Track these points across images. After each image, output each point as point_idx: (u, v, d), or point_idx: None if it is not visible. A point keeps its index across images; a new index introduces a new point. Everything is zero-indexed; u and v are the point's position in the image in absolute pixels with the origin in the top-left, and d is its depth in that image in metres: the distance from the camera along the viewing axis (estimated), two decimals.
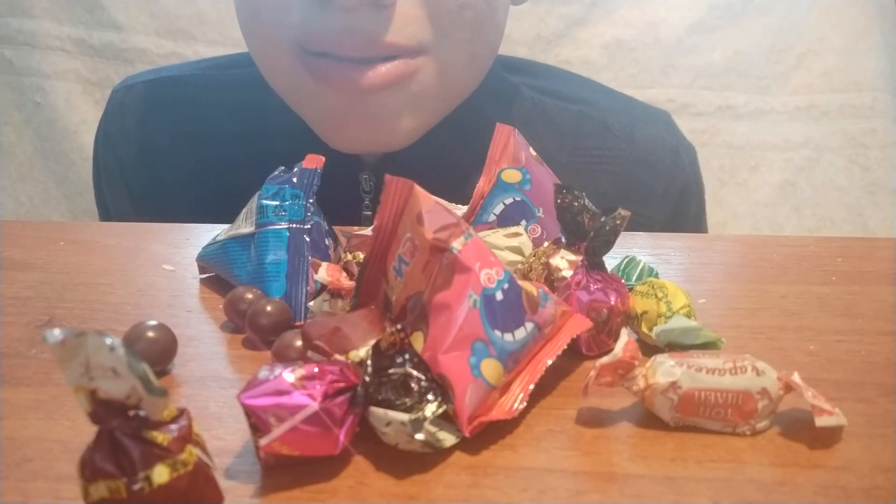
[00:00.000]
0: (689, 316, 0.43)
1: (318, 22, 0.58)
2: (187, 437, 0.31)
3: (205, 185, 0.74)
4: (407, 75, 0.60)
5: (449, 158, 0.68)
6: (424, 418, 0.34)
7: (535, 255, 0.46)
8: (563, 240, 0.46)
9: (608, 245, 0.44)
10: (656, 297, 0.44)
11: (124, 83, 0.80)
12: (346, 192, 0.68)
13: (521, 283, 0.39)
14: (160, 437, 0.30)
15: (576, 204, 0.44)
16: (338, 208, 0.55)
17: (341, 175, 0.56)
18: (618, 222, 0.43)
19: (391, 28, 0.58)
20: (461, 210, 0.53)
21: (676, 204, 0.77)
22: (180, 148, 0.76)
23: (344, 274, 0.46)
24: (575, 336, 0.40)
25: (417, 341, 0.37)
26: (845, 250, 0.58)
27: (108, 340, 0.27)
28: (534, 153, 0.53)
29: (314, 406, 0.33)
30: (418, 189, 0.39)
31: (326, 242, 0.51)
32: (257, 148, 0.72)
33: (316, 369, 0.34)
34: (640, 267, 0.49)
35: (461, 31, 0.61)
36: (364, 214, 0.69)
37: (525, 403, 0.37)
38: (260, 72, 0.68)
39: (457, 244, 0.37)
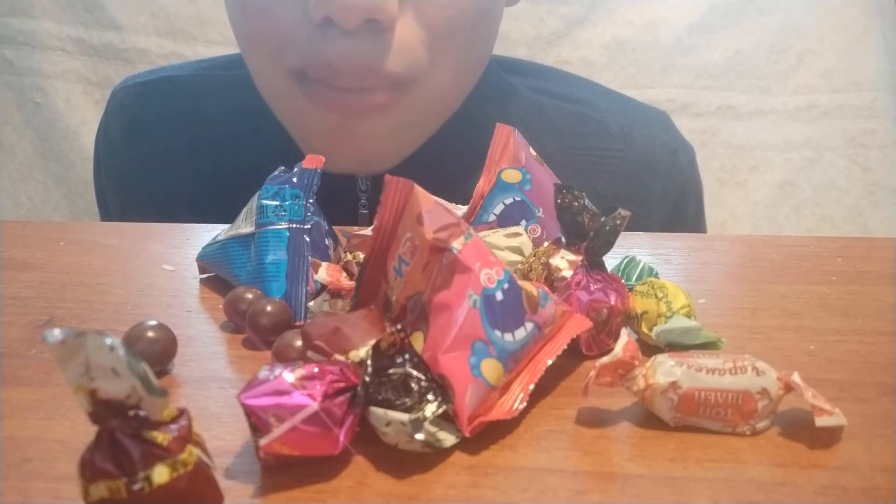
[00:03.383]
0: (689, 316, 0.43)
1: (318, 48, 0.58)
2: (187, 437, 0.31)
3: (205, 184, 0.74)
4: (396, 104, 0.61)
5: (447, 159, 0.68)
6: (424, 418, 0.34)
7: (535, 255, 0.46)
8: (563, 240, 0.46)
9: (608, 245, 0.44)
10: (656, 297, 0.44)
11: (124, 83, 0.80)
12: (343, 191, 0.68)
13: (521, 283, 0.39)
14: (160, 437, 0.30)
15: (576, 204, 0.44)
16: (334, 207, 0.55)
17: (338, 174, 0.57)
18: (618, 222, 0.43)
19: (389, 56, 0.58)
20: (461, 210, 0.53)
21: (675, 204, 0.77)
22: (180, 147, 0.76)
23: (344, 274, 0.46)
24: (575, 336, 0.40)
25: (417, 341, 0.37)
26: (845, 250, 0.58)
27: (108, 340, 0.27)
28: (534, 153, 0.53)
29: (314, 406, 0.33)
30: (418, 189, 0.39)
31: (326, 242, 0.51)
32: (257, 147, 0.72)
33: (316, 369, 0.34)
34: (640, 267, 0.49)
35: (449, 55, 0.61)
36: (361, 213, 0.69)
37: (525, 403, 0.37)
38: None
39: (457, 244, 0.37)
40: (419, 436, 0.34)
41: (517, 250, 0.47)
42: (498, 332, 0.37)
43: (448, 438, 0.35)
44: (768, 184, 1.24)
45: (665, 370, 0.37)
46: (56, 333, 0.27)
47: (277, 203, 0.50)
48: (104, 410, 0.29)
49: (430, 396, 0.35)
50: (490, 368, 0.36)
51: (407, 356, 0.36)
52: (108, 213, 0.82)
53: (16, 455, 0.35)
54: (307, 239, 0.49)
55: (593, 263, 0.44)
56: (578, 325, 0.41)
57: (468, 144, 0.69)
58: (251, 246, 0.50)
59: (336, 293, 0.45)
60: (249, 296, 0.46)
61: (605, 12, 1.21)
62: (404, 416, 0.34)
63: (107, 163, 0.80)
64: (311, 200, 0.50)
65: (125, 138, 0.78)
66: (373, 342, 0.35)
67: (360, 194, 0.69)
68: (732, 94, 1.22)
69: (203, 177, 0.74)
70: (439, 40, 0.60)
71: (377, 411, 0.34)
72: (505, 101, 0.74)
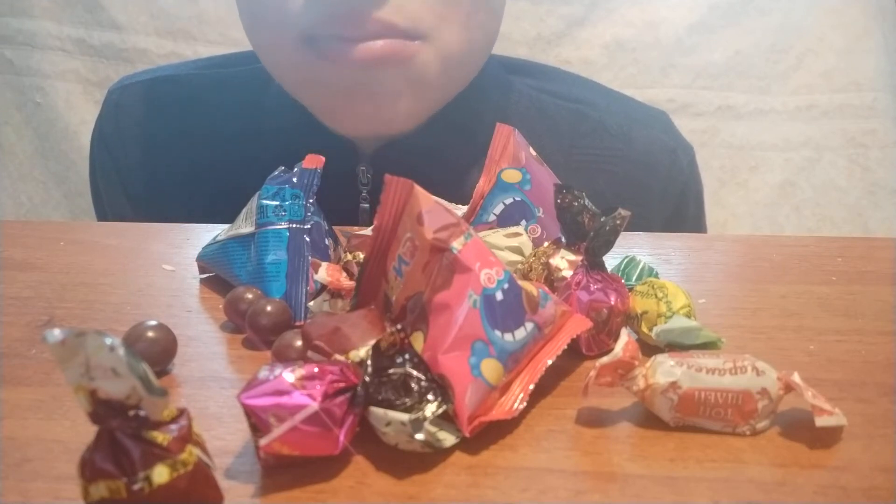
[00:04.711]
0: (689, 316, 0.43)
1: (322, 4, 0.59)
2: (187, 437, 0.31)
3: (201, 184, 0.74)
4: (404, 57, 0.61)
5: (446, 154, 0.68)
6: (424, 418, 0.34)
7: (535, 255, 0.46)
8: (563, 240, 0.46)
9: (608, 245, 0.44)
10: (656, 297, 0.44)
11: (120, 83, 0.80)
12: (344, 184, 0.68)
13: (521, 283, 0.39)
14: (160, 437, 0.30)
15: (576, 204, 0.44)
16: (335, 201, 0.55)
17: (339, 168, 0.57)
18: (618, 222, 0.43)
19: (390, 5, 0.58)
20: (461, 210, 0.53)
21: (675, 205, 0.77)
22: (176, 147, 0.76)
23: (344, 274, 0.46)
24: (575, 336, 0.40)
25: (417, 341, 0.37)
26: (845, 250, 0.58)
27: (108, 340, 0.27)
28: (534, 153, 0.53)
29: (314, 406, 0.33)
30: (418, 189, 0.39)
31: (326, 242, 0.51)
32: (253, 146, 0.72)
33: (316, 369, 0.34)
34: (640, 267, 0.49)
35: (457, 15, 0.61)
36: (362, 207, 0.69)
37: (525, 403, 0.37)
38: (255, 70, 0.68)
39: (457, 244, 0.37)
40: (419, 436, 0.34)
41: (517, 250, 0.47)
42: (498, 332, 0.37)
43: (448, 438, 0.35)
44: (768, 184, 1.24)
45: (665, 370, 0.37)
46: (56, 333, 0.27)
47: (277, 203, 0.50)
48: (104, 410, 0.29)
49: (430, 396, 0.35)
50: (490, 368, 0.36)
51: (407, 356, 0.36)
52: (103, 214, 0.82)
53: (16, 455, 0.35)
54: (307, 239, 0.49)
55: (593, 263, 0.44)
56: (578, 325, 0.41)
57: (467, 139, 0.69)
58: (251, 246, 0.50)
59: (336, 293, 0.45)
60: (249, 296, 0.46)
61: (605, 12, 1.21)
62: (404, 416, 0.34)
63: (102, 163, 0.80)
64: (311, 200, 0.50)
65: (121, 138, 0.78)
66: (373, 342, 0.35)
67: (361, 187, 0.69)
68: (732, 94, 1.22)
69: (199, 175, 0.74)
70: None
71: (377, 411, 0.34)
72: (505, 98, 0.74)
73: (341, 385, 0.34)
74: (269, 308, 0.45)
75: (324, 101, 0.66)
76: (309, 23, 0.60)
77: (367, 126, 0.66)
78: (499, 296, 0.38)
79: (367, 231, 0.50)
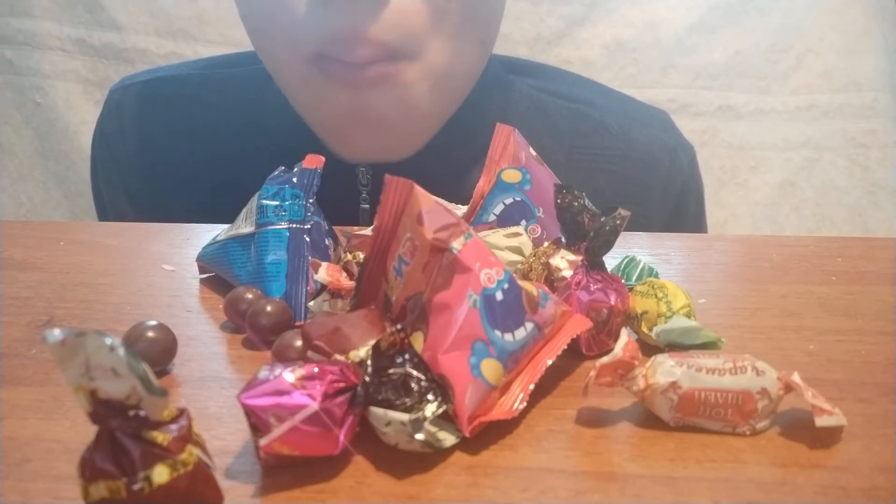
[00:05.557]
0: (689, 316, 0.43)
1: (326, 23, 0.59)
2: (187, 437, 0.31)
3: (202, 184, 0.74)
4: (396, 75, 0.61)
5: (446, 153, 0.68)
6: (424, 418, 0.34)
7: (535, 255, 0.46)
8: (563, 240, 0.46)
9: (608, 245, 0.44)
10: (656, 297, 0.44)
11: (121, 83, 0.80)
12: (344, 185, 0.68)
13: (521, 283, 0.39)
14: (160, 437, 0.30)
15: (576, 204, 0.44)
16: (335, 201, 0.55)
17: (339, 168, 0.57)
18: (618, 222, 0.43)
19: (386, 24, 0.58)
20: (461, 210, 0.53)
21: (675, 204, 0.77)
22: (177, 147, 0.76)
23: (344, 274, 0.46)
24: (575, 336, 0.40)
25: (417, 341, 0.37)
26: (845, 250, 0.58)
27: (108, 340, 0.27)
28: (534, 153, 0.53)
29: (314, 406, 0.33)
30: (418, 189, 0.39)
31: (326, 242, 0.51)
32: (254, 146, 0.72)
33: (316, 369, 0.34)
34: (640, 267, 0.49)
35: (446, 27, 0.61)
36: (362, 207, 0.69)
37: (525, 403, 0.37)
38: (255, 70, 0.68)
39: (457, 244, 0.37)
40: (419, 436, 0.34)
41: (517, 250, 0.47)
42: (498, 332, 0.37)
43: (448, 438, 0.35)
44: (768, 184, 1.24)
45: (665, 370, 0.37)
46: (56, 333, 0.27)
47: (277, 203, 0.50)
48: (104, 410, 0.29)
49: (430, 396, 0.35)
50: (490, 368, 0.36)
51: (407, 356, 0.36)
52: (104, 213, 0.82)
53: (16, 455, 0.35)
54: (307, 239, 0.49)
55: (593, 263, 0.44)
56: (578, 325, 0.41)
57: (467, 139, 0.69)
58: (251, 246, 0.50)
59: (336, 293, 0.45)
60: (249, 296, 0.46)
61: (605, 12, 1.21)
62: (404, 416, 0.34)
63: (103, 163, 0.80)
64: (311, 200, 0.50)
65: (122, 138, 0.78)
66: (373, 342, 0.35)
67: (361, 188, 0.69)
68: (732, 94, 1.22)
69: (200, 175, 0.74)
70: (436, 10, 0.60)
71: (377, 411, 0.34)
72: (506, 98, 0.74)
73: (341, 385, 0.34)
74: (269, 308, 0.45)
75: (326, 126, 0.67)
76: (318, 45, 0.60)
77: (367, 152, 0.67)
78: (499, 296, 0.38)
79: (367, 231, 0.50)
